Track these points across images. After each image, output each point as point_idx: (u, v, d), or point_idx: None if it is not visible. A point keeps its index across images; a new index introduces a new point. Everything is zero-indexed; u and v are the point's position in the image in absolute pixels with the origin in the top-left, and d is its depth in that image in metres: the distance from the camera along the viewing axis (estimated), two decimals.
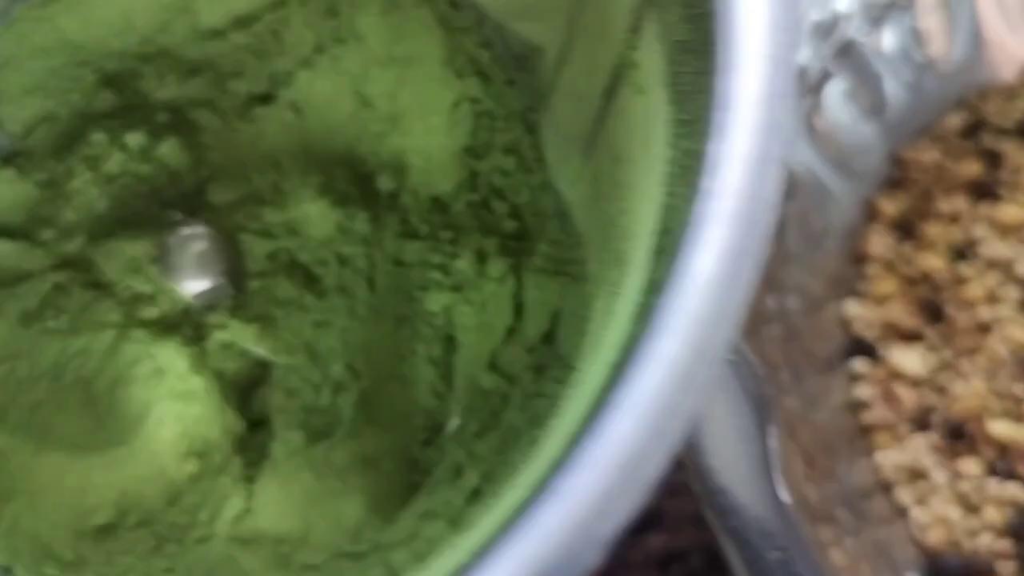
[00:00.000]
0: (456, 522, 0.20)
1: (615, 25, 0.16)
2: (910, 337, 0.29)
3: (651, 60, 0.15)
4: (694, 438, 0.23)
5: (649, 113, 0.15)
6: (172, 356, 0.22)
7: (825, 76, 0.30)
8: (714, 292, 0.10)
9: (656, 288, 0.11)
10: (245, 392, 0.23)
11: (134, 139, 0.23)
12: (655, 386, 0.12)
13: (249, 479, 0.22)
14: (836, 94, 0.30)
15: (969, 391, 0.28)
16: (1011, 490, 0.27)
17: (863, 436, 0.28)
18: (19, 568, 0.22)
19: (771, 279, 0.27)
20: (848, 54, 0.30)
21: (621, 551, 0.29)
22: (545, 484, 0.13)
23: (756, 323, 0.26)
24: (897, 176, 0.30)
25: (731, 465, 0.23)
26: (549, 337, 0.21)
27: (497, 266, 0.21)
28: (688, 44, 0.13)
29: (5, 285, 0.23)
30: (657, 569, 0.29)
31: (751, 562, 0.21)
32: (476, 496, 0.20)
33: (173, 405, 0.22)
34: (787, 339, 0.28)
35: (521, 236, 0.22)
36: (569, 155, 0.20)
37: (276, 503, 0.22)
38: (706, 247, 0.10)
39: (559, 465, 0.13)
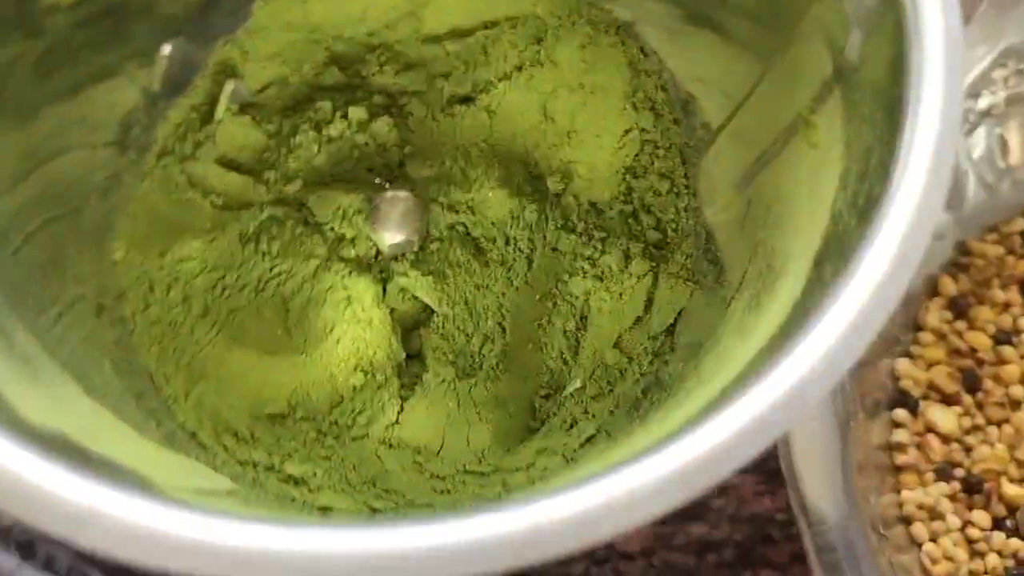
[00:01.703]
0: (569, 459, 0.25)
1: (799, 93, 0.21)
2: (949, 400, 0.33)
3: (829, 123, 0.20)
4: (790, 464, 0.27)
5: (819, 164, 0.19)
6: (362, 289, 0.27)
7: None
8: (874, 295, 0.14)
9: (813, 289, 0.16)
10: (407, 330, 0.28)
11: (356, 113, 0.29)
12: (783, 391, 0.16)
13: (403, 398, 0.27)
14: None
15: (992, 455, 0.32)
16: (1014, 544, 0.31)
17: (894, 474, 0.32)
18: (202, 434, 0.27)
19: None
20: None
21: (667, 533, 0.34)
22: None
23: None
24: (962, 262, 0.35)
25: (819, 483, 0.27)
26: (671, 330, 0.26)
27: (640, 266, 0.26)
28: (871, 115, 0.18)
29: (230, 208, 0.28)
30: (695, 554, 0.33)
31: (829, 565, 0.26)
32: (589, 441, 0.25)
33: (353, 328, 0.27)
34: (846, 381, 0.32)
35: (662, 246, 0.27)
36: (723, 189, 0.25)
37: (421, 420, 0.26)
38: (871, 263, 0.14)
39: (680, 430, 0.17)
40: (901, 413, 0.33)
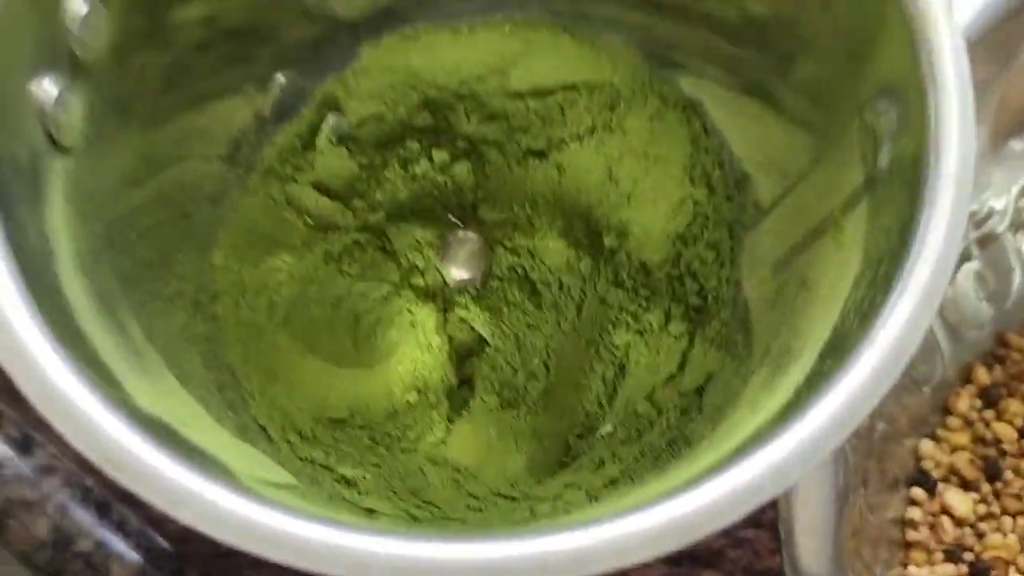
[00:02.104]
0: (592, 497, 0.27)
1: (836, 193, 0.23)
2: (967, 485, 0.34)
3: (855, 227, 0.22)
4: (788, 527, 0.29)
5: (842, 263, 0.21)
6: (426, 316, 0.30)
7: (966, 256, 0.36)
8: (858, 396, 0.17)
9: (815, 378, 0.18)
10: (462, 358, 0.31)
11: (439, 155, 0.32)
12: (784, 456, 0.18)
13: (451, 419, 0.30)
14: (970, 273, 0.36)
15: (1003, 544, 0.33)
16: None
17: (904, 549, 0.34)
18: (271, 429, 0.30)
19: None
20: (990, 245, 0.36)
21: (682, 574, 0.36)
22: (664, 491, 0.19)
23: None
24: (999, 353, 0.36)
25: (812, 551, 0.29)
26: (699, 391, 0.28)
27: (679, 327, 0.29)
28: (888, 228, 0.20)
29: (319, 230, 0.31)
30: None
31: None
32: (612, 483, 0.27)
33: (414, 350, 0.30)
34: (868, 454, 0.34)
35: (701, 311, 0.29)
36: (761, 267, 0.27)
37: (464, 442, 0.29)
38: (862, 366, 0.17)
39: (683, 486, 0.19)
40: (919, 492, 0.34)
